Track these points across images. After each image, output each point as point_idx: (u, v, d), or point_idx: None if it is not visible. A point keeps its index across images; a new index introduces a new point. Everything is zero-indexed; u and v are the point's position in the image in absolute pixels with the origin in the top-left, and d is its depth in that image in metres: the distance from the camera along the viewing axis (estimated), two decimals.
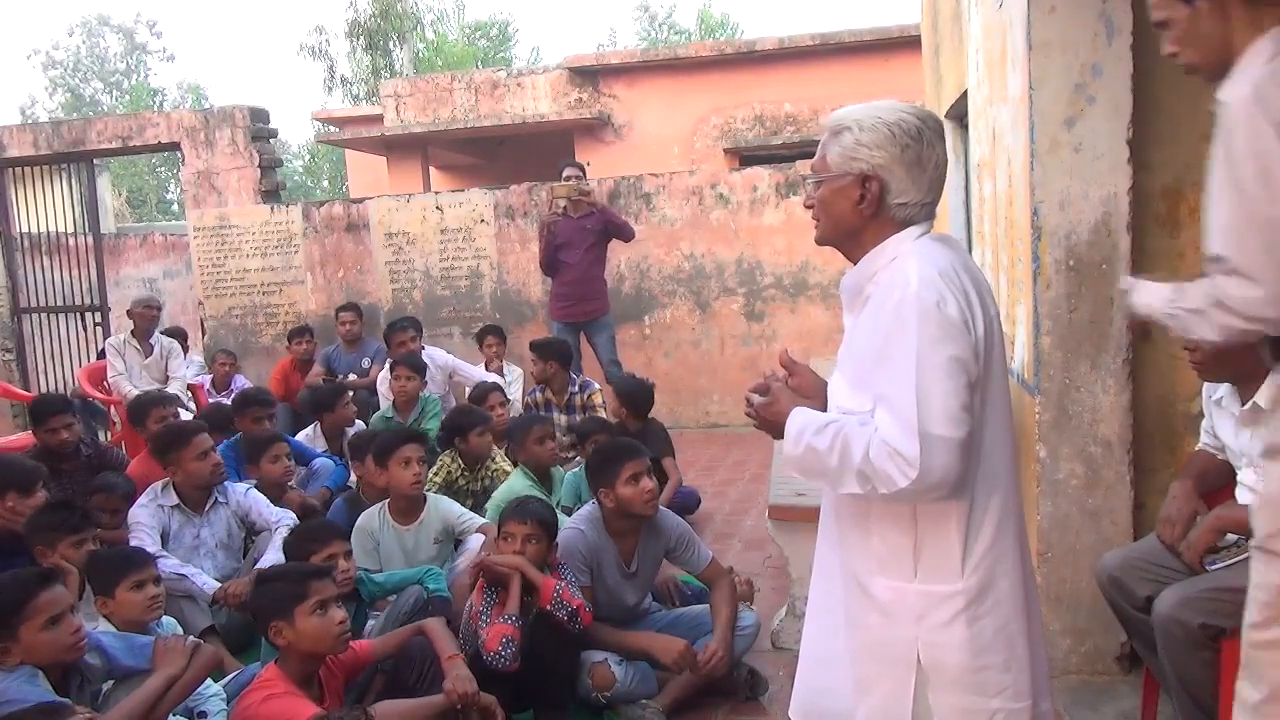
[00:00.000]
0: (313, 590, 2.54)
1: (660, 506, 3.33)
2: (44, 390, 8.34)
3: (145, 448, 4.87)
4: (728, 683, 3.18)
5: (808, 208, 1.81)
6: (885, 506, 1.69)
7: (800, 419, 1.72)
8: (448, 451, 4.84)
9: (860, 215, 1.72)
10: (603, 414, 5.70)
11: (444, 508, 3.94)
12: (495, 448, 4.88)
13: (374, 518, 3.81)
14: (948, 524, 1.67)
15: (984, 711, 1.69)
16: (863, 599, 1.75)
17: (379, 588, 3.38)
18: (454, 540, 3.92)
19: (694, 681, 3.13)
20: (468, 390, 6.17)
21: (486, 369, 7.11)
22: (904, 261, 1.66)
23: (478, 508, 4.38)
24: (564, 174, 6.71)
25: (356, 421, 5.79)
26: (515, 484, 4.26)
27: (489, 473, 4.76)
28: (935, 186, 1.72)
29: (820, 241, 1.82)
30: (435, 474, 4.75)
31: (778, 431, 1.77)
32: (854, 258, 1.78)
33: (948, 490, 1.60)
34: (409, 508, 3.84)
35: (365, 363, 7.12)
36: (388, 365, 6.28)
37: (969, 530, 1.68)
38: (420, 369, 5.97)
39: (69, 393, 8.05)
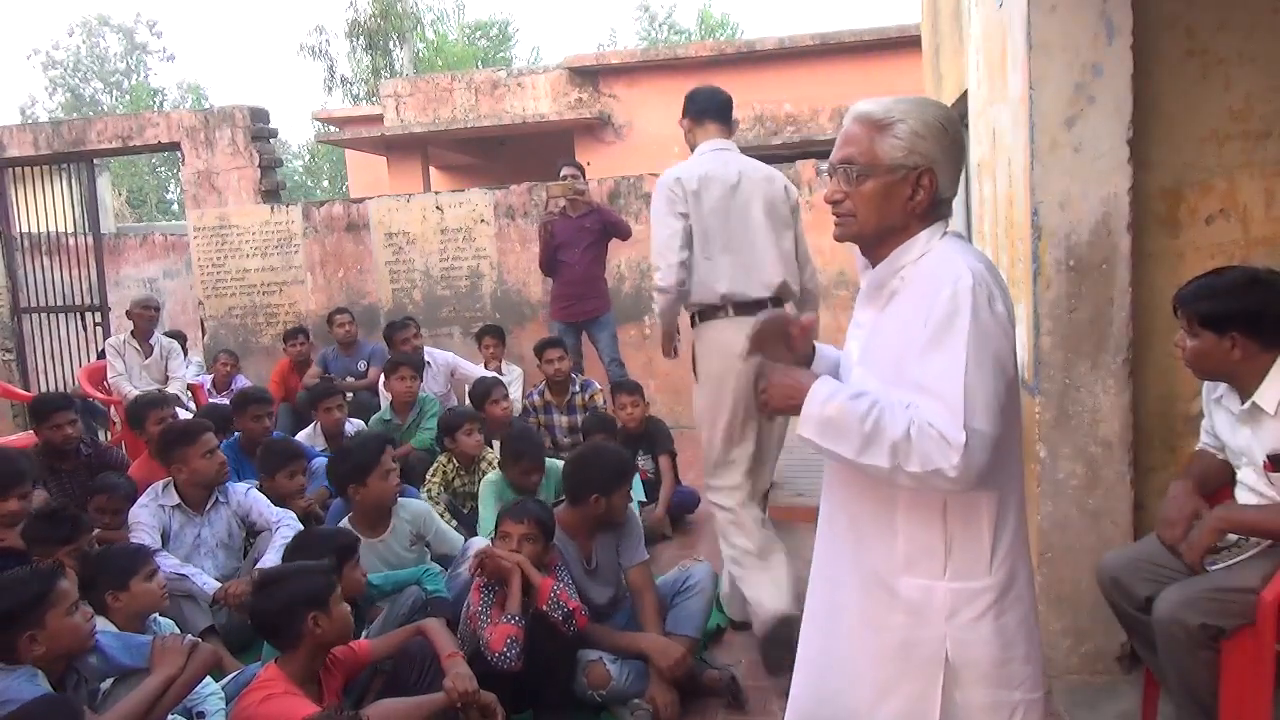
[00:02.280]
0: (335, 581, 2.63)
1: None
2: (44, 390, 8.34)
3: (146, 449, 4.87)
4: (713, 682, 3.19)
5: (835, 201, 1.72)
6: (911, 506, 1.68)
7: (826, 385, 1.68)
8: (443, 453, 4.84)
9: (907, 211, 1.68)
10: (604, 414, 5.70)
11: (413, 510, 3.78)
12: (487, 447, 4.87)
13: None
14: (979, 520, 1.67)
15: (1008, 704, 1.70)
16: (886, 600, 1.72)
17: (376, 590, 3.37)
18: (426, 543, 3.79)
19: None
20: (468, 388, 6.17)
21: (497, 367, 7.13)
22: (944, 257, 1.65)
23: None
24: (561, 173, 6.70)
25: (357, 422, 5.78)
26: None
27: (483, 474, 4.74)
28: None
29: (844, 237, 1.75)
30: (432, 475, 4.75)
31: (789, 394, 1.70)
32: (874, 254, 1.74)
33: (970, 484, 1.58)
34: (375, 520, 3.63)
35: (361, 365, 7.11)
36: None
37: (998, 525, 1.68)
38: (420, 368, 5.96)
39: (69, 392, 8.07)
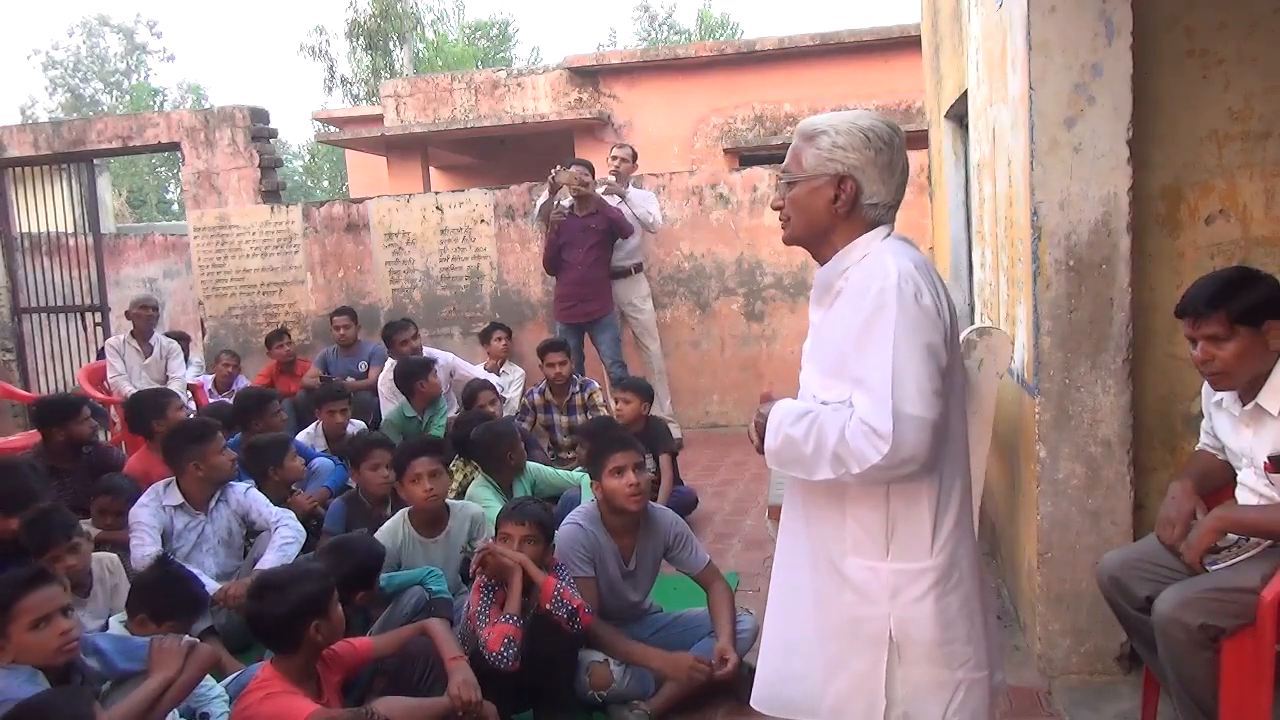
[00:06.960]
0: (333, 586, 2.64)
1: (655, 504, 3.33)
2: (44, 390, 8.34)
3: (144, 444, 4.86)
4: (728, 682, 3.18)
5: (776, 209, 1.90)
6: (860, 489, 1.78)
7: (779, 411, 1.83)
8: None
9: (833, 215, 1.82)
10: (604, 412, 5.71)
11: (470, 512, 3.83)
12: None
13: (398, 531, 3.67)
14: (920, 504, 1.78)
15: (950, 683, 1.80)
16: (835, 579, 1.83)
17: (380, 590, 3.37)
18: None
19: (691, 686, 3.12)
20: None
21: (497, 366, 7.15)
22: (879, 257, 1.77)
23: None
24: (570, 168, 6.66)
25: (358, 423, 5.78)
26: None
27: None
28: (901, 190, 1.84)
29: (789, 241, 1.92)
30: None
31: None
32: (821, 256, 1.88)
33: (917, 467, 1.69)
34: (431, 520, 3.72)
35: (362, 366, 7.12)
36: (388, 365, 6.29)
37: (939, 510, 1.79)
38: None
39: (69, 392, 8.06)
